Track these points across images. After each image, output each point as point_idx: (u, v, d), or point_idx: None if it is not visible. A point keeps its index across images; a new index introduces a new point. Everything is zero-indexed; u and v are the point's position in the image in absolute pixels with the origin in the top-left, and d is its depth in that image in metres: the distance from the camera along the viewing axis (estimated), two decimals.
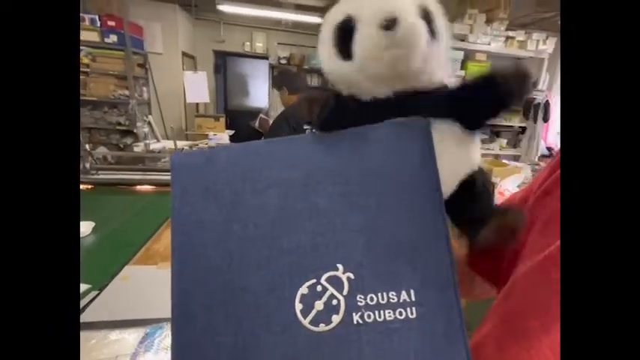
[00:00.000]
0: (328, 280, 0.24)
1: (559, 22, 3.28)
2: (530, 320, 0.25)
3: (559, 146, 0.33)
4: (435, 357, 0.23)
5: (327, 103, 0.26)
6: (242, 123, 4.46)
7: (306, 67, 4.91)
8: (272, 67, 4.96)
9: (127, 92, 3.38)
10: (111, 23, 3.12)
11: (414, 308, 0.23)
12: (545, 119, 3.26)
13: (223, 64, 5.30)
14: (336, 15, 0.26)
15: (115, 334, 0.63)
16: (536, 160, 3.01)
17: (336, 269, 0.24)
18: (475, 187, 0.26)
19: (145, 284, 0.84)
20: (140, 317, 0.68)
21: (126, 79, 3.34)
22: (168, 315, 0.25)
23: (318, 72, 4.99)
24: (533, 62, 3.42)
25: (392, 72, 0.25)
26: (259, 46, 4.82)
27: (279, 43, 4.85)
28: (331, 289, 0.24)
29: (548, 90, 3.41)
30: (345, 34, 0.25)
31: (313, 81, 5.11)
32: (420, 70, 0.25)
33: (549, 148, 3.43)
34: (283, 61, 4.85)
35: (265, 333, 0.23)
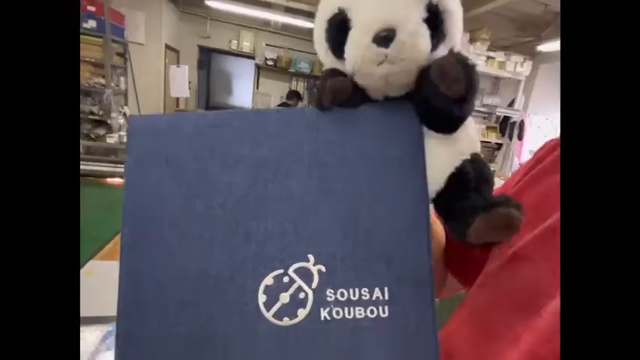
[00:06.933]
0: (297, 271, 0.22)
1: (536, 47, 3.47)
2: (497, 314, 0.26)
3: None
4: (406, 356, 0.22)
5: (346, 93, 0.24)
6: None
7: (292, 70, 4.90)
8: (258, 68, 4.92)
9: (102, 81, 3.23)
10: (91, 8, 2.98)
11: (386, 307, 0.22)
12: (520, 137, 3.41)
13: (208, 60, 5.20)
14: (327, 6, 0.24)
15: None
16: (510, 175, 3.13)
17: (307, 260, 0.22)
18: (465, 179, 0.24)
19: (111, 280, 0.78)
20: (102, 314, 0.62)
21: (102, 67, 3.20)
22: None
23: (304, 76, 5.00)
24: (511, 82, 3.58)
25: (383, 86, 0.23)
26: (246, 45, 4.77)
27: (267, 44, 4.82)
28: (299, 282, 0.22)
29: (524, 110, 3.57)
30: (337, 31, 0.23)
31: (299, 85, 5.11)
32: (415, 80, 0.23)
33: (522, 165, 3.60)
34: (270, 63, 4.82)
35: (223, 324, 0.21)
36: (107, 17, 3.00)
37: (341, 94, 0.23)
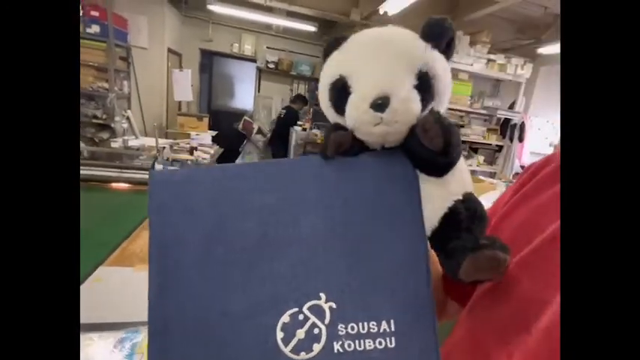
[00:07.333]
0: (310, 309, 0.24)
1: (536, 50, 3.48)
2: (489, 334, 0.28)
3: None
4: None
5: (347, 145, 0.27)
6: (226, 124, 4.39)
7: (293, 73, 4.91)
8: (259, 70, 4.94)
9: (106, 85, 3.25)
10: (94, 13, 3.00)
11: (393, 338, 0.24)
12: (521, 139, 3.42)
13: (210, 63, 5.21)
14: (330, 72, 0.28)
15: (86, 339, 0.58)
16: (511, 177, 3.14)
17: (319, 298, 0.24)
18: (457, 219, 0.26)
19: (120, 286, 0.80)
20: (114, 320, 0.64)
21: (106, 72, 3.22)
22: (145, 318, 0.24)
23: (305, 78, 5.02)
24: (511, 85, 3.59)
25: (380, 142, 0.26)
26: (248, 48, 4.79)
27: (268, 47, 4.84)
28: (313, 318, 0.24)
29: (524, 112, 3.58)
30: (338, 93, 0.27)
31: (300, 88, 5.13)
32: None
33: (523, 167, 3.59)
34: (271, 65, 4.84)
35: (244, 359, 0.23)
36: (110, 22, 3.02)
37: (342, 146, 0.26)
